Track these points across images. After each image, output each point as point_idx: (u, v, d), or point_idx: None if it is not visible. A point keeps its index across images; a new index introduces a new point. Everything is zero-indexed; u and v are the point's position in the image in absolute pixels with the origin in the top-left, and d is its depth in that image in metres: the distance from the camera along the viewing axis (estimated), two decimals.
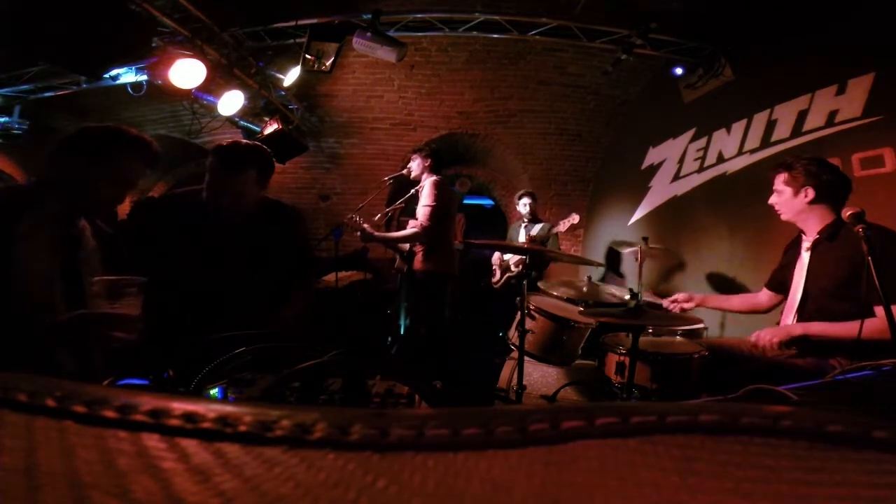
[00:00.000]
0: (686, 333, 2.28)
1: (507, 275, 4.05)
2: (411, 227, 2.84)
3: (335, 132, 5.20)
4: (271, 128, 4.15)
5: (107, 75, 3.42)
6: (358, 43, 3.41)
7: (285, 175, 5.21)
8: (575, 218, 3.98)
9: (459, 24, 3.75)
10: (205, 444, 0.16)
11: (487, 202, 6.57)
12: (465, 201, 6.13)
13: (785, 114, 3.10)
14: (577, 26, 3.67)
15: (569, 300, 2.67)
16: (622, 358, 2.04)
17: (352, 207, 3.25)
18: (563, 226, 3.99)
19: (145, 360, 1.21)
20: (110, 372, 1.17)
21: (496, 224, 5.56)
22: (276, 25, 3.62)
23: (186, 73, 3.11)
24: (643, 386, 2.00)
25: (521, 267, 3.73)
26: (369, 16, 3.39)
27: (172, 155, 5.17)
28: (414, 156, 2.98)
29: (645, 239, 3.34)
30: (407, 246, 2.93)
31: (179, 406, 0.17)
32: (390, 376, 0.89)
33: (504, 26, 3.70)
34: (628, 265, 4.50)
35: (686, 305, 2.11)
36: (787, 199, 1.82)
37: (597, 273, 4.61)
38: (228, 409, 0.17)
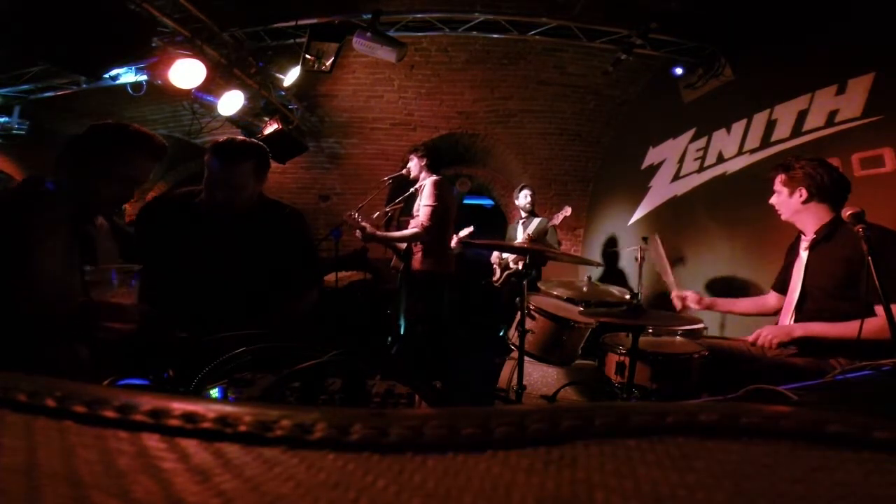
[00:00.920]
0: (686, 333, 2.28)
1: (507, 272, 4.06)
2: (412, 227, 2.84)
3: (335, 132, 5.20)
4: (271, 128, 4.15)
5: (107, 75, 3.42)
6: (358, 43, 3.42)
7: (285, 175, 5.21)
8: (567, 210, 4.00)
9: (459, 24, 3.75)
10: (205, 444, 0.16)
11: (487, 202, 6.57)
12: (465, 201, 6.13)
13: (785, 114, 3.10)
14: (577, 26, 3.67)
15: (569, 300, 2.67)
16: (622, 358, 2.04)
17: (352, 207, 3.25)
18: (556, 219, 4.00)
19: (145, 360, 1.22)
20: (110, 372, 1.18)
21: (496, 224, 5.56)
22: (276, 25, 3.62)
23: (186, 73, 3.11)
24: (643, 386, 2.00)
25: (520, 265, 3.73)
26: (369, 16, 3.40)
27: (172, 155, 5.17)
28: (411, 156, 2.98)
29: (645, 239, 3.34)
30: (404, 245, 2.93)
31: (179, 406, 0.17)
32: (390, 376, 0.89)
33: (504, 26, 3.70)
34: (628, 265, 4.50)
35: (693, 306, 2.11)
36: (784, 200, 1.85)
37: (597, 273, 4.61)
38: (228, 409, 0.17)
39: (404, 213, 3.80)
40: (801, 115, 2.97)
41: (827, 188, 1.76)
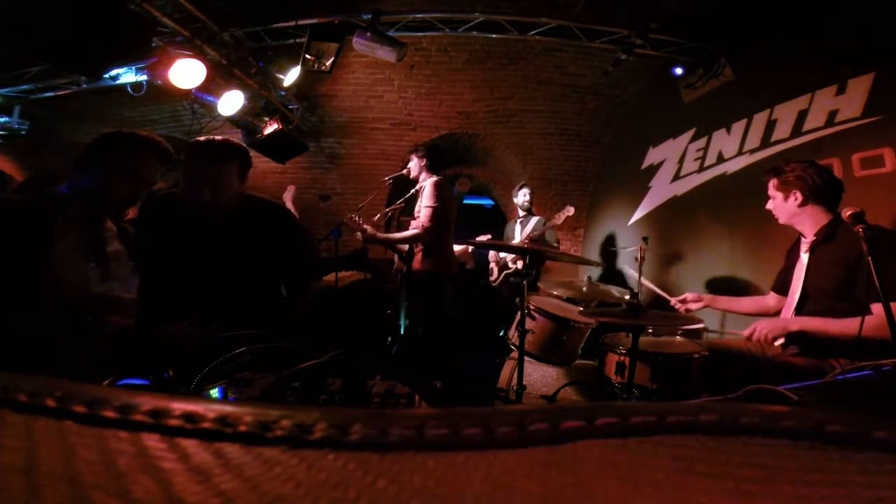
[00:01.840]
0: (686, 333, 2.28)
1: (505, 272, 4.05)
2: (413, 228, 2.84)
3: (335, 132, 5.20)
4: (271, 128, 4.15)
5: (107, 75, 3.42)
6: (358, 43, 3.41)
7: (285, 175, 5.21)
8: (570, 210, 3.98)
9: (459, 24, 3.75)
10: (205, 444, 0.16)
11: (487, 202, 6.57)
12: (465, 201, 6.13)
13: (785, 114, 3.10)
14: (577, 26, 3.67)
15: (569, 300, 2.67)
16: (622, 358, 2.04)
17: (352, 207, 3.25)
18: (558, 219, 3.99)
19: (145, 360, 1.22)
20: (110, 371, 1.20)
21: (496, 224, 5.56)
22: (276, 25, 3.62)
23: (186, 73, 3.11)
24: (643, 386, 2.00)
25: (518, 264, 3.73)
26: (369, 16, 3.39)
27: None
28: (411, 156, 2.99)
29: (645, 239, 3.34)
30: (406, 246, 2.93)
31: (179, 406, 0.17)
32: (390, 376, 0.89)
33: (504, 26, 3.70)
34: (628, 265, 4.50)
35: (693, 306, 2.12)
36: (779, 204, 1.86)
37: (597, 273, 4.61)
38: (228, 409, 0.17)
39: (405, 214, 3.80)
40: (801, 115, 2.97)
41: (820, 190, 1.77)
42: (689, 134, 3.97)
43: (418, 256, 2.85)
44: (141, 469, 0.16)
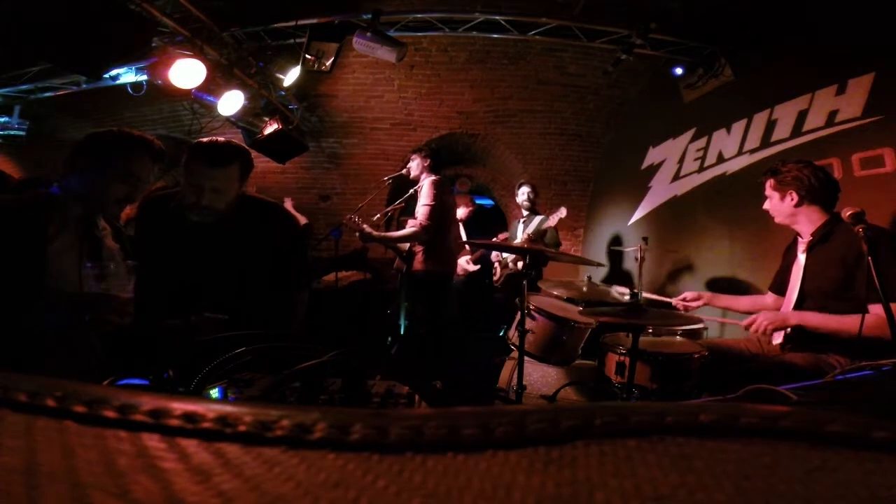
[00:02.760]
0: (686, 333, 2.28)
1: (507, 272, 4.06)
2: (410, 227, 2.84)
3: (335, 132, 5.20)
4: (271, 128, 4.15)
5: (107, 75, 3.42)
6: (358, 43, 3.42)
7: (285, 175, 5.21)
8: (563, 212, 3.97)
9: (459, 24, 3.75)
10: (205, 444, 0.16)
11: (487, 202, 6.57)
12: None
13: (785, 114, 3.10)
14: (577, 26, 3.67)
15: (569, 300, 2.67)
16: (622, 358, 2.04)
17: (352, 207, 3.25)
18: (552, 220, 3.99)
19: (143, 359, 1.23)
20: (108, 371, 1.21)
21: (496, 224, 5.56)
22: (276, 25, 3.62)
23: (186, 73, 3.11)
24: (643, 386, 2.00)
25: (519, 265, 3.73)
26: (369, 16, 3.39)
27: (172, 155, 5.16)
28: (413, 156, 2.99)
29: (645, 239, 3.34)
30: (406, 246, 2.93)
31: (179, 406, 0.17)
32: (390, 376, 0.89)
33: (504, 26, 3.70)
34: (629, 265, 4.50)
35: (693, 304, 2.13)
36: (776, 204, 1.87)
37: (597, 273, 4.61)
38: (228, 409, 0.17)
39: (405, 214, 3.80)
40: (801, 115, 2.97)
41: (816, 190, 1.77)
42: (689, 134, 3.97)
43: (419, 256, 2.85)
44: (141, 469, 0.16)
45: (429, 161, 2.93)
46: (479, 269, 4.17)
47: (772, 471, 0.16)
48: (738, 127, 3.46)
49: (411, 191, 3.09)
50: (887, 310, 1.31)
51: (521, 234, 4.09)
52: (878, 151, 2.49)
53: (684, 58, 3.84)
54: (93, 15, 2.40)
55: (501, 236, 4.18)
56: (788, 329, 1.78)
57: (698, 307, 2.14)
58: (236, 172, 1.55)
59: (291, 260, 1.73)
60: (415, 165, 2.95)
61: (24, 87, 3.73)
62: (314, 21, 3.51)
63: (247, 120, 4.20)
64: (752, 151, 3.31)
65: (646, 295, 2.85)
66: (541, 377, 2.62)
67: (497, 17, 3.66)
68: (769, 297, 2.08)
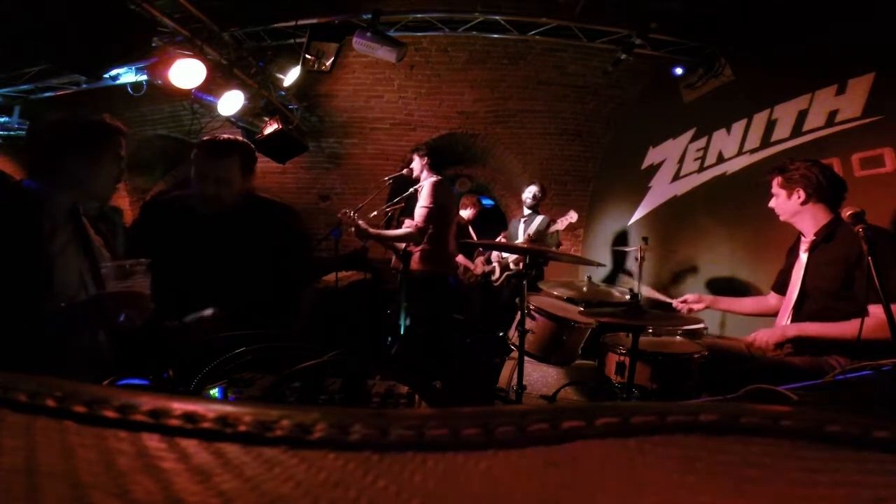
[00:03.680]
0: (686, 333, 2.28)
1: (507, 272, 4.05)
2: (407, 227, 2.84)
3: (335, 132, 5.20)
4: (271, 128, 4.15)
5: (107, 75, 3.42)
6: (358, 43, 3.41)
7: (285, 175, 5.21)
8: (573, 216, 3.95)
9: (459, 24, 3.75)
10: (205, 444, 0.16)
11: (487, 202, 6.57)
12: None
13: (785, 114, 3.10)
14: (577, 26, 3.67)
15: (569, 300, 2.66)
16: (622, 358, 2.04)
17: (351, 207, 3.24)
18: (561, 224, 3.97)
19: (145, 360, 1.23)
20: (114, 370, 1.21)
21: (496, 224, 5.56)
22: (276, 25, 3.62)
23: (186, 73, 3.11)
24: (643, 386, 2.00)
25: (520, 265, 3.73)
26: (369, 16, 3.40)
27: (172, 155, 5.17)
28: (414, 156, 2.99)
29: (645, 239, 3.34)
30: (403, 245, 2.93)
31: (179, 406, 0.17)
32: (390, 376, 0.89)
33: (504, 26, 3.70)
34: (629, 265, 4.50)
35: (695, 307, 2.12)
36: (782, 202, 1.86)
37: (597, 273, 4.60)
38: (228, 409, 0.17)
39: (404, 214, 3.80)
40: (801, 115, 2.97)
41: (823, 188, 1.77)
42: (689, 134, 3.97)
43: (417, 256, 2.85)
44: (141, 469, 0.16)
45: (426, 159, 2.93)
46: (491, 269, 4.18)
47: (772, 471, 0.16)
48: (738, 127, 3.46)
49: (411, 189, 3.09)
50: (887, 311, 1.31)
51: (521, 233, 4.09)
52: (878, 151, 2.49)
53: (684, 58, 3.84)
54: (93, 15, 2.40)
55: (503, 236, 4.19)
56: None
57: (699, 310, 2.14)
58: (237, 162, 1.65)
59: (298, 259, 1.77)
60: (416, 165, 2.96)
61: (24, 87, 3.73)
62: (314, 21, 3.51)
63: (247, 120, 4.20)
64: (752, 151, 3.31)
65: (646, 292, 2.84)
66: (541, 377, 2.62)
67: (497, 17, 3.66)
68: (772, 298, 2.07)
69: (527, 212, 4.16)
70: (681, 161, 4.02)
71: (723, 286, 3.38)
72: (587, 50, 4.08)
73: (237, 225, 1.65)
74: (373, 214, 3.50)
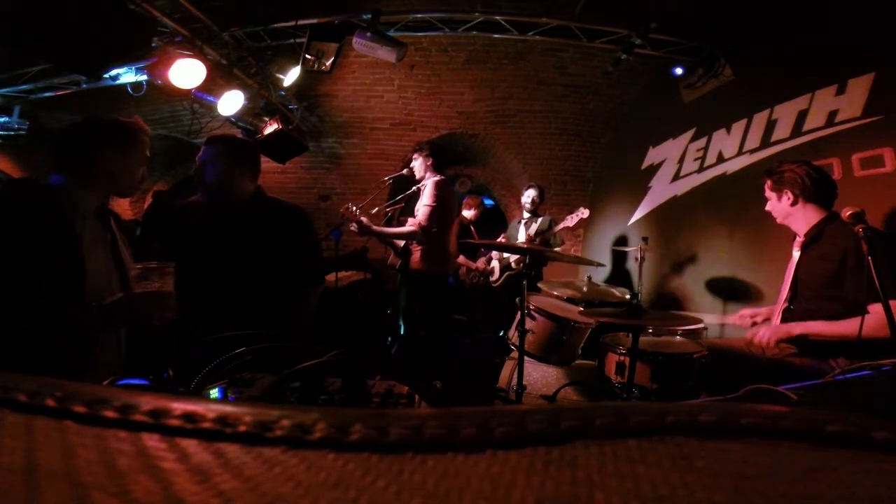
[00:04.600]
0: (686, 333, 2.28)
1: (508, 273, 4.05)
2: (410, 226, 2.83)
3: (335, 132, 5.20)
4: (271, 128, 4.15)
5: (107, 75, 3.42)
6: (358, 43, 3.41)
7: (285, 175, 5.21)
8: (584, 212, 3.90)
9: (459, 24, 3.75)
10: (205, 444, 0.16)
11: (487, 202, 6.57)
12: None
13: (785, 114, 3.10)
14: (577, 26, 3.67)
15: (569, 300, 2.67)
16: (622, 358, 2.04)
17: (353, 204, 3.24)
18: (570, 220, 3.94)
19: (145, 360, 1.23)
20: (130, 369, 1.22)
21: (496, 224, 5.56)
22: (276, 25, 3.61)
23: (186, 73, 3.11)
24: (643, 386, 2.00)
25: (521, 266, 3.73)
26: (369, 16, 3.39)
27: (172, 155, 5.17)
28: (415, 155, 2.97)
29: (645, 239, 3.34)
30: (402, 242, 2.92)
31: (179, 406, 0.17)
32: (390, 376, 0.89)
33: (504, 26, 3.70)
34: (629, 265, 4.50)
35: (758, 319, 1.99)
36: (774, 204, 1.89)
37: (597, 273, 4.60)
38: (228, 409, 0.17)
39: (405, 213, 3.79)
40: (801, 115, 2.97)
41: (810, 189, 1.79)
42: (689, 134, 3.97)
43: (416, 256, 2.84)
44: (141, 469, 0.16)
45: (431, 160, 2.92)
46: (491, 269, 4.18)
47: (772, 471, 0.16)
48: (738, 127, 3.46)
49: (413, 188, 3.08)
50: (887, 309, 1.31)
51: (522, 234, 4.08)
52: (878, 151, 2.48)
53: (684, 58, 3.84)
54: (92, 15, 2.40)
55: (503, 237, 4.19)
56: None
57: (758, 322, 1.99)
58: (221, 149, 1.72)
59: (305, 258, 1.79)
60: (418, 165, 2.94)
61: (24, 87, 3.73)
62: (314, 21, 3.51)
63: (247, 120, 4.20)
64: (752, 151, 3.31)
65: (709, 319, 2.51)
66: (541, 377, 2.62)
67: (497, 17, 3.66)
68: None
69: (526, 214, 4.16)
70: (681, 161, 4.02)
71: (723, 286, 3.38)
72: (587, 50, 4.08)
73: (244, 223, 1.68)
74: (373, 212, 3.50)
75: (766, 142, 3.21)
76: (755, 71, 3.45)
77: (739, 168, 3.40)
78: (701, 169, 3.77)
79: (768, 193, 1.90)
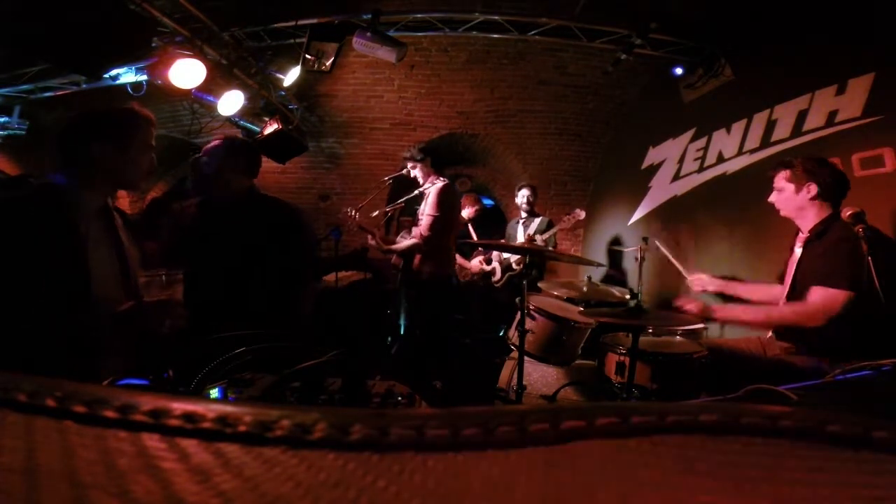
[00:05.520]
0: (686, 333, 2.28)
1: (509, 273, 4.05)
2: (412, 238, 2.86)
3: (335, 132, 5.20)
4: (271, 128, 4.15)
5: (107, 75, 3.42)
6: (358, 43, 3.41)
7: (285, 175, 5.21)
8: (580, 214, 3.93)
9: (459, 24, 3.75)
10: (205, 444, 0.16)
11: (487, 202, 6.57)
12: None
13: (785, 114, 3.10)
14: (577, 26, 3.67)
15: (569, 300, 2.67)
16: (622, 358, 2.04)
17: (352, 207, 3.24)
18: (567, 222, 3.96)
19: (145, 360, 1.23)
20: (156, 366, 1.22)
21: (496, 224, 5.56)
22: (276, 25, 3.61)
23: (186, 73, 3.10)
24: (643, 386, 2.00)
25: (521, 266, 3.73)
26: (369, 16, 3.39)
27: (172, 155, 5.17)
28: (410, 165, 2.93)
29: (645, 239, 3.34)
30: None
31: (179, 406, 0.17)
32: (390, 376, 0.89)
33: (504, 26, 3.70)
34: (629, 265, 4.50)
35: (709, 288, 2.18)
36: (788, 196, 1.86)
37: (597, 273, 4.60)
38: (228, 409, 0.17)
39: (405, 213, 3.80)
40: (801, 115, 2.97)
41: (831, 186, 1.80)
42: (689, 134, 3.97)
43: (418, 257, 2.85)
44: (141, 469, 0.16)
45: (429, 163, 2.91)
46: (491, 269, 4.18)
47: (772, 471, 0.16)
48: (738, 127, 3.46)
49: (416, 192, 3.07)
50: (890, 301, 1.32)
51: (521, 234, 4.08)
52: (878, 151, 2.48)
53: (684, 58, 3.83)
54: (92, 15, 2.40)
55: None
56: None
57: (711, 291, 2.16)
58: (218, 144, 1.77)
59: (300, 256, 1.80)
60: (419, 173, 2.92)
61: (24, 87, 3.72)
62: (314, 21, 3.51)
63: (247, 120, 4.20)
64: (752, 151, 3.31)
65: (661, 247, 2.78)
66: (541, 377, 2.62)
67: (497, 17, 3.65)
68: (778, 288, 2.07)
69: (524, 214, 4.17)
70: (681, 161, 4.02)
71: None
72: (587, 50, 4.08)
73: (240, 220, 1.68)
74: (374, 214, 3.50)
75: (766, 142, 3.21)
76: (755, 71, 3.45)
77: (739, 168, 3.40)
78: (701, 169, 3.77)
79: (782, 185, 1.87)
